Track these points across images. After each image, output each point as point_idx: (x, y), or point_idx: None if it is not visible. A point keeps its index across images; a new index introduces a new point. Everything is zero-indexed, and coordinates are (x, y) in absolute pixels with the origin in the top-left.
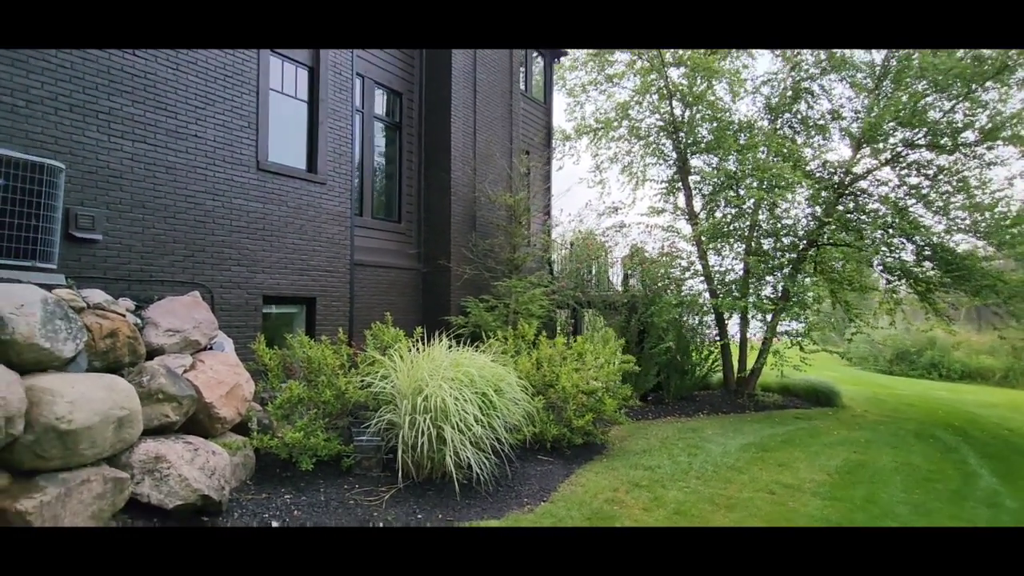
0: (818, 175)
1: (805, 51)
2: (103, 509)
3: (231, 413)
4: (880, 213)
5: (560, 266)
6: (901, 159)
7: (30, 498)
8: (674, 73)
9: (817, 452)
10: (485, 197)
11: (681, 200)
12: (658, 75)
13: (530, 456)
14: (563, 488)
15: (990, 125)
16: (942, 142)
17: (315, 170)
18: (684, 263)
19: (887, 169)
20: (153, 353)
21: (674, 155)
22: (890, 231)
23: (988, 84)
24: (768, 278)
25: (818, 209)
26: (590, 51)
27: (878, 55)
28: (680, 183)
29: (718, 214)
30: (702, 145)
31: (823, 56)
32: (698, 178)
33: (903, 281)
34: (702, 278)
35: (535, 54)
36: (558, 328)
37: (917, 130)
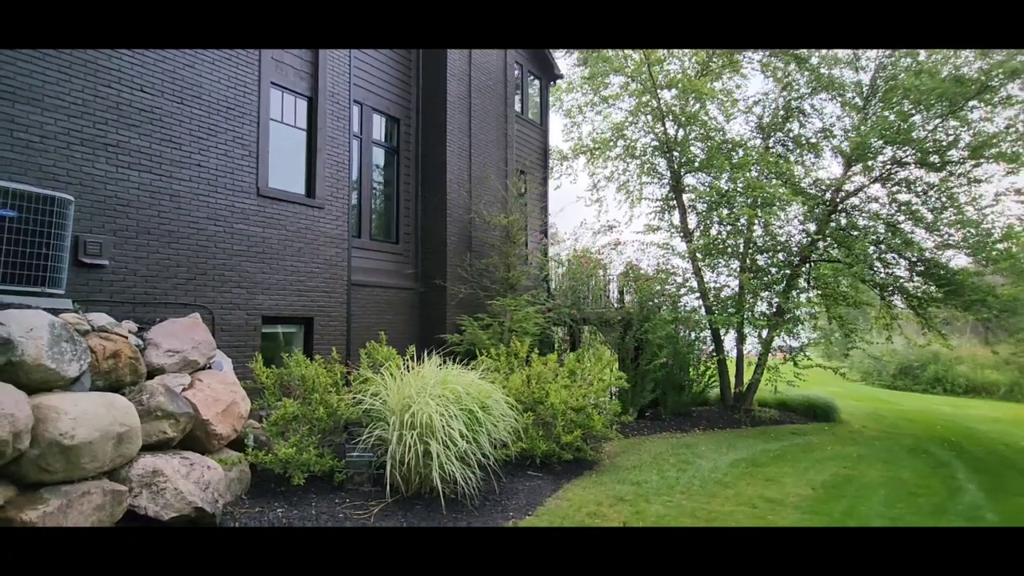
0: (812, 192)
1: (796, 73)
2: (102, 520)
3: (227, 430)
4: (871, 229)
5: (556, 284)
6: (892, 176)
7: (34, 509)
8: (667, 95)
9: (807, 467)
10: (480, 218)
11: (676, 218)
12: (651, 96)
13: (520, 472)
14: (549, 502)
15: (973, 144)
16: (929, 160)
17: (313, 195)
18: (679, 280)
19: (877, 186)
20: (154, 373)
21: (668, 174)
22: (881, 247)
23: (972, 104)
24: (763, 294)
25: (811, 226)
26: (584, 74)
27: (865, 75)
28: (675, 201)
29: (713, 231)
30: (695, 164)
31: (820, 64)
32: (692, 196)
33: (896, 296)
34: (697, 295)
35: (531, 77)
36: (556, 345)
37: (904, 148)
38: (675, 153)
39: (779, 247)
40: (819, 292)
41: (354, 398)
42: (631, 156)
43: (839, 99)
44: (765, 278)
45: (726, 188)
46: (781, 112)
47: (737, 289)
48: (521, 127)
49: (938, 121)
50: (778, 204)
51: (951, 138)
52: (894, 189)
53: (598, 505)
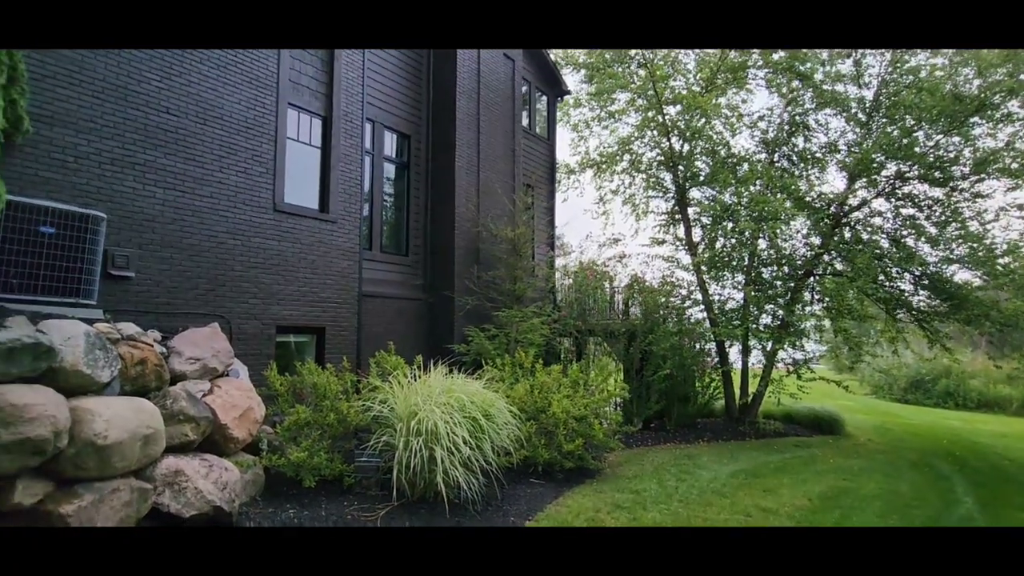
0: (817, 205)
1: (801, 88)
2: (129, 515)
3: (243, 434)
4: (874, 243)
5: (562, 295)
6: (896, 191)
7: (70, 503)
8: (672, 110)
9: (806, 479)
10: (487, 231)
11: (681, 231)
12: (656, 112)
13: (522, 479)
14: (549, 509)
15: (972, 159)
16: (933, 175)
17: (327, 209)
18: (684, 292)
19: (882, 200)
20: (176, 379)
21: (673, 188)
22: (885, 261)
23: (973, 120)
24: (768, 306)
25: (815, 239)
26: (591, 90)
27: (868, 91)
28: (679, 215)
29: (718, 244)
30: (700, 178)
31: (823, 81)
32: (696, 210)
33: (901, 310)
34: (702, 307)
35: (539, 93)
36: (561, 356)
37: (907, 163)
38: (680, 167)
39: (783, 260)
40: (824, 305)
41: (363, 405)
42: (637, 170)
43: (844, 114)
44: (769, 291)
45: (729, 202)
46: (786, 127)
47: (741, 301)
48: (529, 142)
49: (940, 137)
50: (782, 218)
51: (953, 154)
52: (898, 203)
53: (596, 512)
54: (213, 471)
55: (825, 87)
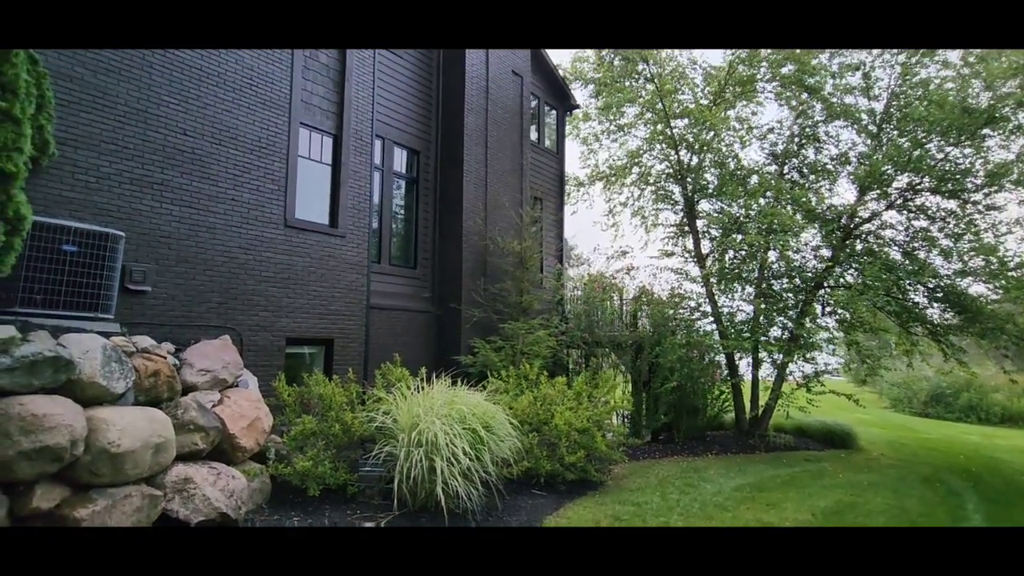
0: (828, 217)
1: (811, 100)
2: (140, 520)
3: (251, 443)
4: (885, 255)
5: (571, 308)
6: (909, 203)
7: (84, 507)
8: (681, 123)
9: (812, 493)
10: (494, 244)
11: (690, 243)
12: (664, 126)
13: (524, 490)
14: (549, 520)
15: (982, 171)
16: (944, 188)
17: (336, 224)
18: (693, 304)
19: (893, 213)
20: (188, 390)
21: (682, 200)
22: (896, 273)
23: (985, 132)
24: (778, 319)
25: (825, 252)
26: (599, 104)
27: (878, 104)
28: (688, 227)
29: (728, 256)
30: (708, 191)
31: (832, 94)
32: (705, 222)
33: (915, 323)
34: (711, 319)
35: (548, 107)
36: (570, 367)
37: (918, 175)
38: (688, 180)
39: (794, 272)
40: (837, 318)
41: (367, 416)
42: (646, 182)
43: (854, 126)
44: (779, 304)
45: (737, 214)
46: (796, 139)
47: (751, 314)
48: (538, 155)
49: (950, 149)
50: (791, 232)
51: (963, 166)
52: (910, 216)
53: (596, 523)
54: (221, 479)
55: (834, 100)
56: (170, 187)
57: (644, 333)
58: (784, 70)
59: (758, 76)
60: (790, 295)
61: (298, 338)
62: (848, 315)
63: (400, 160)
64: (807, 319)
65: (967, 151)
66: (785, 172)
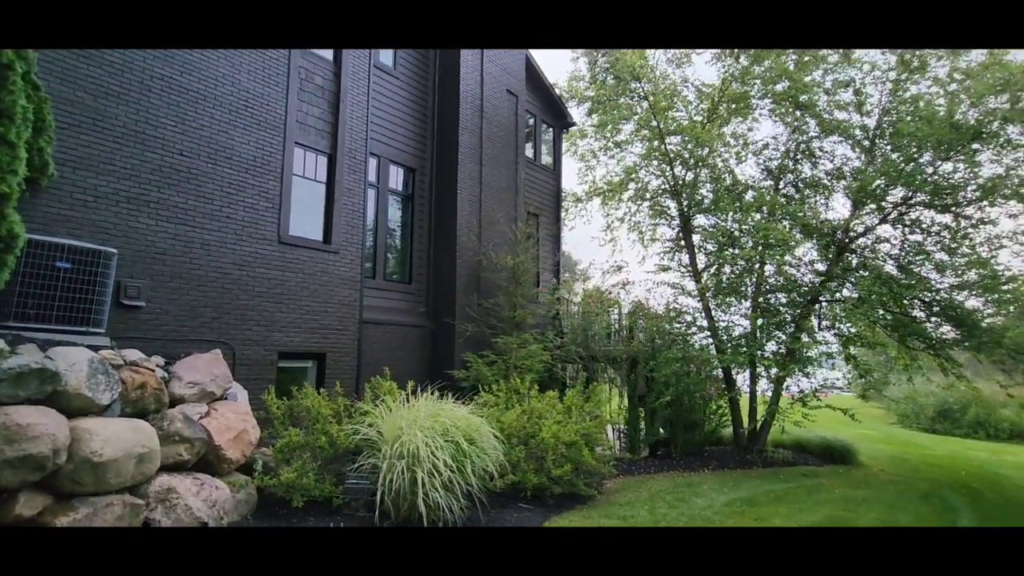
0: (824, 231)
1: (806, 116)
2: None
3: (237, 455)
4: (879, 269)
5: (567, 321)
6: (904, 217)
7: (66, 515)
8: (675, 140)
9: (803, 508)
10: (488, 260)
11: (686, 257)
12: (659, 142)
13: (511, 504)
14: None
15: (977, 186)
16: (937, 202)
17: (330, 241)
18: (689, 318)
19: (888, 227)
20: (176, 402)
21: (677, 215)
22: (891, 286)
23: (975, 147)
24: (775, 333)
25: (820, 266)
26: (595, 123)
27: (870, 120)
28: (684, 241)
29: (726, 270)
30: (703, 206)
31: (824, 110)
32: (701, 237)
33: (912, 338)
34: (707, 333)
35: (545, 125)
36: (567, 381)
37: (910, 189)
38: (684, 195)
39: (790, 287)
40: (834, 332)
41: (353, 428)
42: (642, 198)
43: (848, 141)
44: (775, 318)
45: (730, 228)
46: (791, 155)
47: (747, 328)
48: (535, 172)
49: (941, 164)
50: (785, 247)
51: (955, 180)
52: (905, 230)
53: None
54: (204, 489)
55: (827, 116)
56: (166, 205)
57: (639, 347)
58: (778, 87)
59: (751, 93)
60: (786, 309)
61: (291, 352)
62: (844, 329)
63: (396, 177)
64: (803, 333)
65: (959, 165)
66: (780, 187)
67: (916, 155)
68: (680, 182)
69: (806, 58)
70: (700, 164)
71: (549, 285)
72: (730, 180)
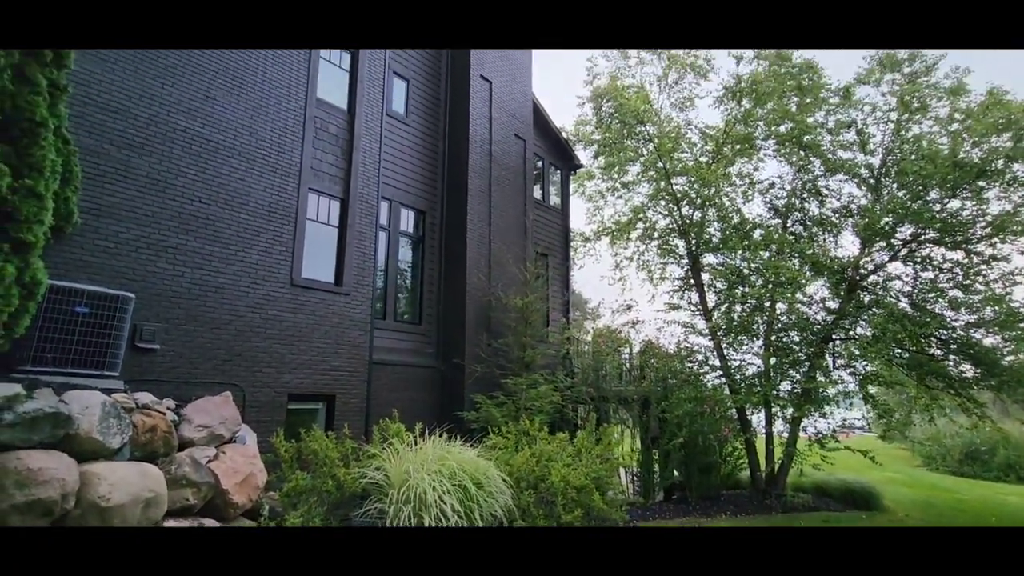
0: (834, 268)
1: (810, 156)
2: None
3: (244, 499)
4: (889, 306)
5: (577, 361)
6: (914, 254)
7: None
8: (682, 180)
9: None
10: (497, 300)
11: (695, 296)
12: (666, 183)
13: None
14: None
15: (995, 222)
16: (946, 239)
17: (341, 283)
18: (700, 358)
19: (899, 264)
20: (185, 445)
21: (686, 254)
22: (904, 323)
23: (981, 184)
24: (790, 372)
25: (832, 304)
26: (603, 165)
27: (875, 159)
28: (693, 280)
29: (737, 309)
30: (711, 244)
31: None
32: (710, 276)
33: (930, 377)
34: (719, 372)
35: (552, 168)
36: (578, 423)
37: (919, 226)
38: (692, 235)
39: (802, 325)
40: (850, 371)
41: (360, 472)
42: (650, 237)
43: (854, 179)
44: (789, 357)
45: (739, 266)
46: (798, 193)
47: (760, 367)
48: (543, 213)
49: (947, 201)
50: (795, 284)
51: (962, 218)
52: (917, 267)
53: None
54: None
55: (831, 156)
56: (183, 250)
57: (651, 387)
58: (781, 128)
59: (755, 135)
60: (799, 348)
61: (301, 394)
62: (861, 367)
63: (407, 220)
64: (818, 372)
65: (967, 203)
66: (788, 225)
67: (922, 193)
68: (688, 221)
69: (807, 100)
70: (707, 203)
71: (559, 324)
72: (737, 219)
